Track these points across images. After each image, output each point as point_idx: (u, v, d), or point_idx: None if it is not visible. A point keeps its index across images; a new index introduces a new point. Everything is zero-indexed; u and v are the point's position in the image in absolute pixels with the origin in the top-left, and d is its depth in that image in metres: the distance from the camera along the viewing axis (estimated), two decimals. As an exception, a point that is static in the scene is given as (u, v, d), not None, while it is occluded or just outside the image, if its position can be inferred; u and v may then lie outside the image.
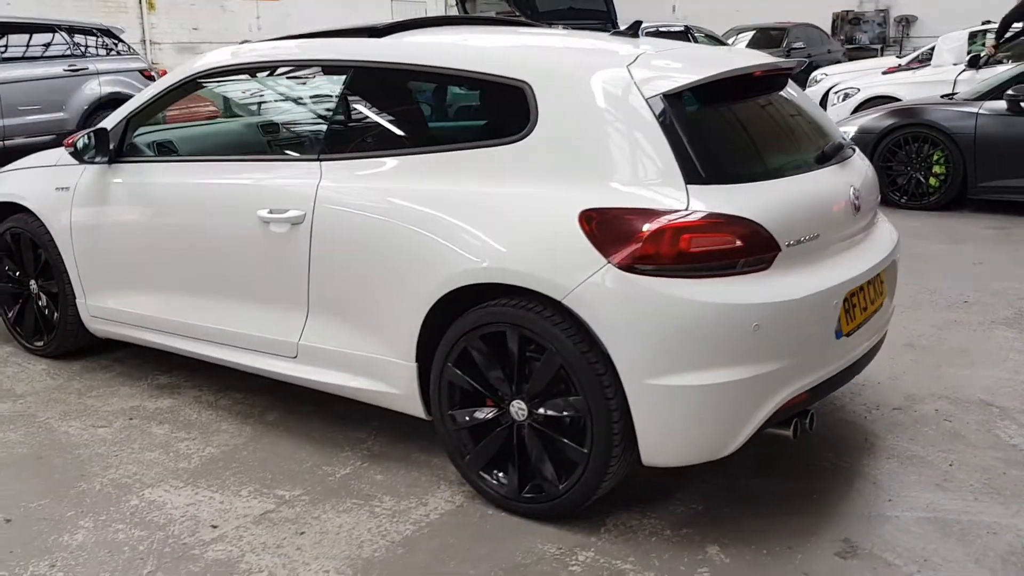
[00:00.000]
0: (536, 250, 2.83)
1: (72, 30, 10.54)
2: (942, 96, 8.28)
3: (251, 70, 3.84)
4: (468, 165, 3.05)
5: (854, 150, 3.43)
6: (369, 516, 3.03)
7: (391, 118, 3.50)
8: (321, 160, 3.38)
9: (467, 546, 2.85)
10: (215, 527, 2.98)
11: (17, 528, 3.00)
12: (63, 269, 4.25)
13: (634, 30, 3.63)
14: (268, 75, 3.93)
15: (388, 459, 3.43)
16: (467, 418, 3.06)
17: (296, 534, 2.94)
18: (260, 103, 4.25)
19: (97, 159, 3.91)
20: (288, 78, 3.90)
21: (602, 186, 2.81)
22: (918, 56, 12.38)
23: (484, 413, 3.03)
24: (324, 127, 3.44)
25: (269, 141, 4.04)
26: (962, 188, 7.53)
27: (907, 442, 3.50)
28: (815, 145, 3.20)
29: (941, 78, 9.58)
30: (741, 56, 3.53)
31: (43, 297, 4.41)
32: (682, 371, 2.67)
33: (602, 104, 2.90)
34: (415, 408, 3.24)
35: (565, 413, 2.85)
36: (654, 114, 2.82)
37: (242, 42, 3.99)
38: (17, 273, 4.50)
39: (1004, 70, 8.25)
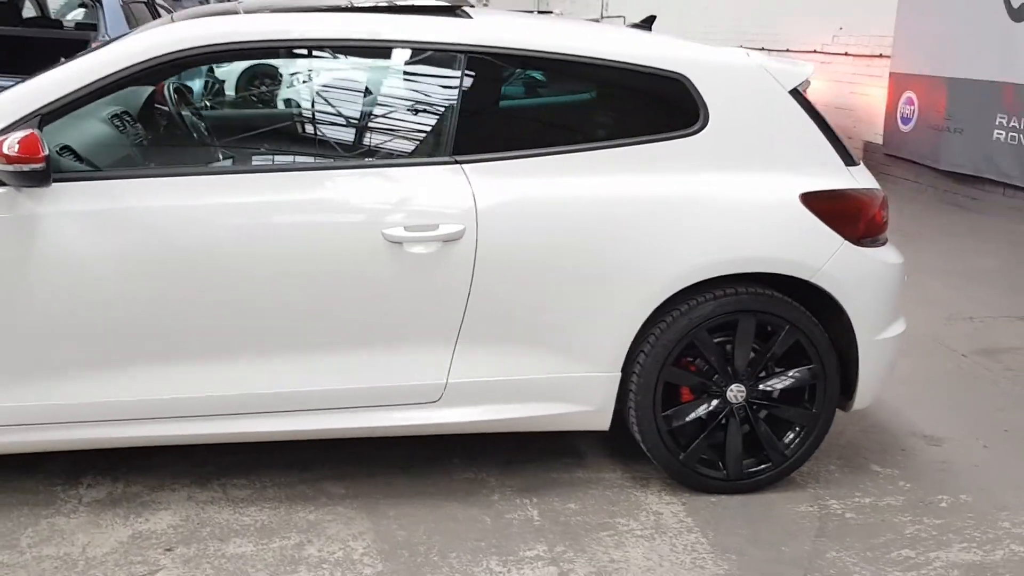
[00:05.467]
0: (783, 235, 2.98)
1: None
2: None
3: (284, 49, 2.85)
4: (650, 159, 2.96)
5: None
6: (645, 541, 2.83)
7: (538, 111, 3.06)
8: (459, 163, 2.84)
9: (766, 535, 2.90)
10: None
11: None
12: None
13: (648, 24, 3.71)
14: (308, 57, 2.95)
15: (545, 487, 3.11)
16: (689, 415, 3.04)
17: (630, 581, 2.63)
18: (298, 93, 3.06)
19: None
20: (344, 62, 2.99)
21: (793, 171, 3.06)
22: None
23: (707, 405, 3.05)
24: (448, 123, 2.84)
25: (338, 139, 3.01)
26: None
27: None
28: None
29: None
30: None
31: None
32: (891, 325, 3.17)
33: (759, 96, 3.11)
34: (601, 422, 3.05)
35: (798, 384, 3.08)
36: (799, 104, 3.17)
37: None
38: None
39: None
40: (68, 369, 2.68)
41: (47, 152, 2.46)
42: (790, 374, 3.07)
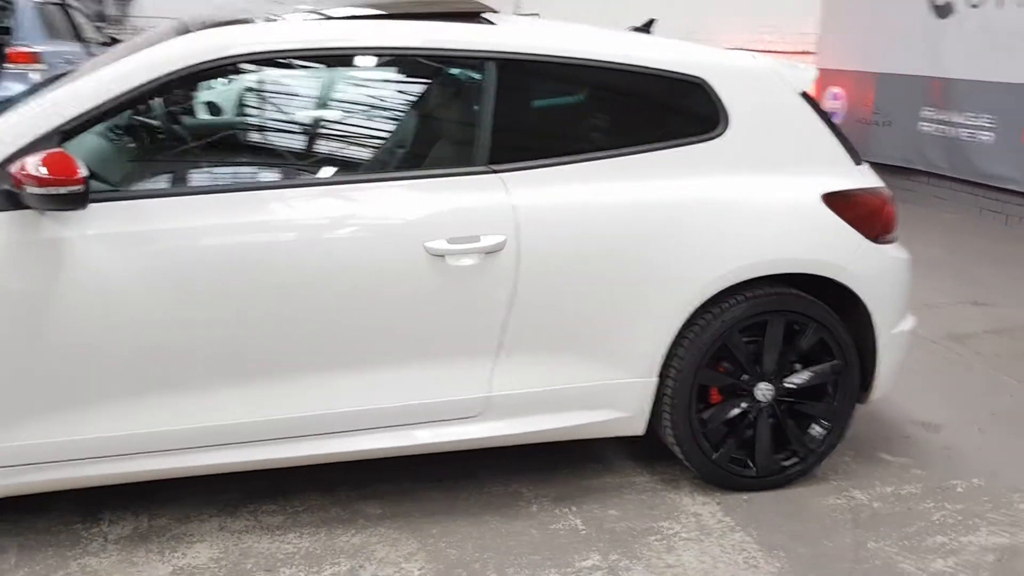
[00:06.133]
0: (814, 236, 3.04)
1: None
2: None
3: (309, 57, 2.73)
4: (679, 163, 2.98)
5: None
6: (694, 543, 2.84)
7: (566, 118, 3.02)
8: (496, 171, 2.80)
9: (805, 530, 2.94)
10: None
11: None
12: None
13: (647, 28, 3.70)
14: (327, 65, 2.83)
15: (580, 495, 3.10)
16: (725, 416, 3.07)
17: (691, 586, 2.64)
18: (330, 104, 2.90)
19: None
20: (379, 71, 2.88)
21: (812, 172, 3.12)
22: None
23: (740, 405, 3.08)
24: (483, 132, 2.79)
25: (373, 151, 2.88)
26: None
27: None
28: None
29: None
30: None
31: None
32: (904, 319, 3.27)
33: (773, 98, 3.16)
34: (636, 427, 3.06)
35: (821, 380, 3.14)
36: (809, 106, 3.24)
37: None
38: None
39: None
40: (104, 401, 2.53)
41: (86, 172, 2.32)
42: (815, 371, 3.13)
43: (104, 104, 2.50)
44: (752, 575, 2.69)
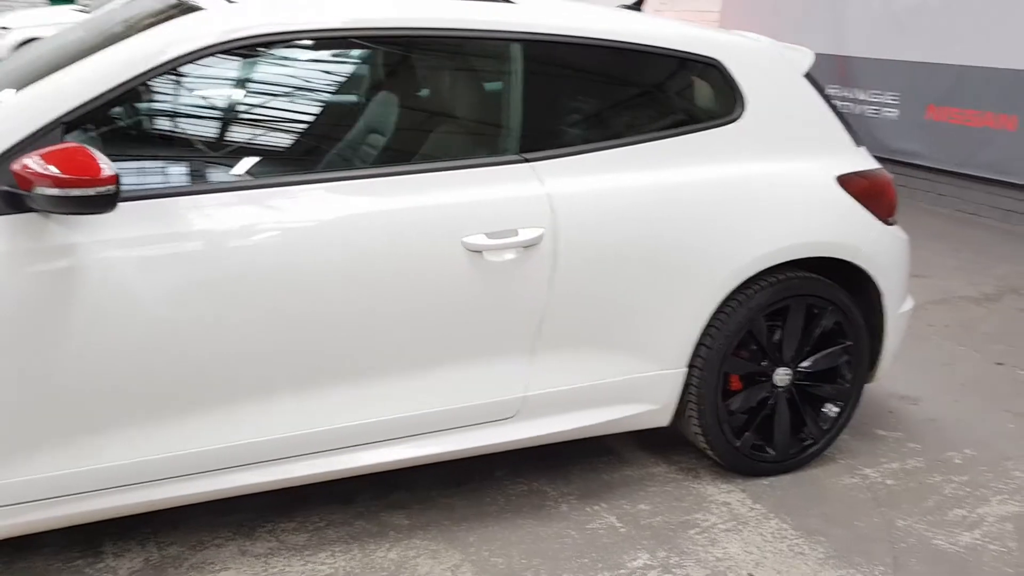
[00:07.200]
0: (835, 219, 3.04)
1: None
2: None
3: (320, 41, 2.49)
4: (705, 148, 2.91)
5: None
6: (734, 534, 2.82)
7: (593, 103, 2.86)
8: (529, 160, 2.66)
9: (834, 512, 2.96)
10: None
11: None
12: None
13: (638, 6, 3.58)
14: (341, 50, 2.58)
15: (605, 491, 3.03)
16: (751, 402, 3.05)
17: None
18: (350, 91, 2.61)
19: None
20: (400, 55, 2.64)
21: (823, 154, 3.12)
22: None
23: (763, 391, 3.07)
24: (513, 118, 2.64)
25: (401, 142, 2.62)
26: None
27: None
28: None
29: None
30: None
31: None
32: (906, 299, 3.33)
33: (781, 79, 3.14)
34: (663, 419, 3.01)
35: (835, 362, 3.16)
36: (813, 88, 3.24)
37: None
38: None
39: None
40: (117, 426, 2.27)
41: (114, 170, 2.05)
42: (829, 353, 3.15)
43: (116, 88, 2.22)
44: (801, 563, 2.69)
